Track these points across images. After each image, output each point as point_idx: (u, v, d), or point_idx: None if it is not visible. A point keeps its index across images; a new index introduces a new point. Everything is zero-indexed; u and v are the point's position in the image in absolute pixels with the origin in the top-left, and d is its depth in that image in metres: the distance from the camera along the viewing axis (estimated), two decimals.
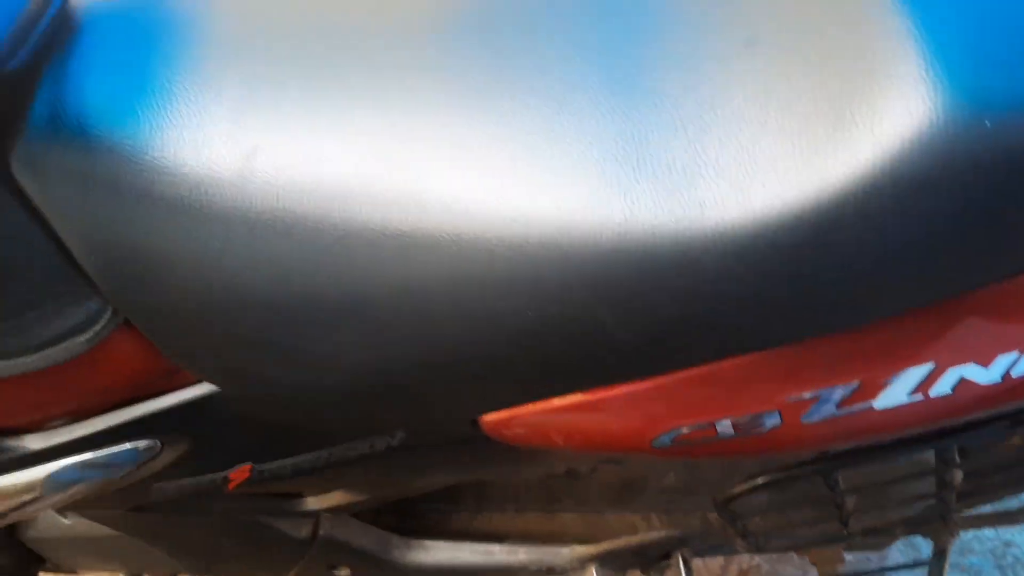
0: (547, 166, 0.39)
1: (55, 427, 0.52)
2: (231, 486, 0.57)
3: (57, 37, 0.43)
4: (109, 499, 0.60)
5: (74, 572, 0.88)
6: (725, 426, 0.46)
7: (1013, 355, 0.41)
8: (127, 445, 0.53)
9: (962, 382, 0.42)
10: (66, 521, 0.75)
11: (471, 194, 0.40)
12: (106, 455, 0.53)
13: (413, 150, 0.41)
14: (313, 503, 0.68)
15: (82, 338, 0.45)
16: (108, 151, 0.41)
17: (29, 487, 0.55)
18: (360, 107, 0.42)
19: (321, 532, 0.74)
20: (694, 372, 0.44)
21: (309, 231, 0.41)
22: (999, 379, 0.41)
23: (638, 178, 0.38)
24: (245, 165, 0.41)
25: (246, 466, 0.55)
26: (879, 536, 0.78)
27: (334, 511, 0.71)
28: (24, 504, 0.56)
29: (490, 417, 0.50)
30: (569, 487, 0.82)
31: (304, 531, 0.72)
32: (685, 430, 0.47)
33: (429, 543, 0.77)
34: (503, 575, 0.77)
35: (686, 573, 0.73)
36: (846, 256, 0.37)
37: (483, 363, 0.44)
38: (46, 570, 0.86)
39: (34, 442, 0.52)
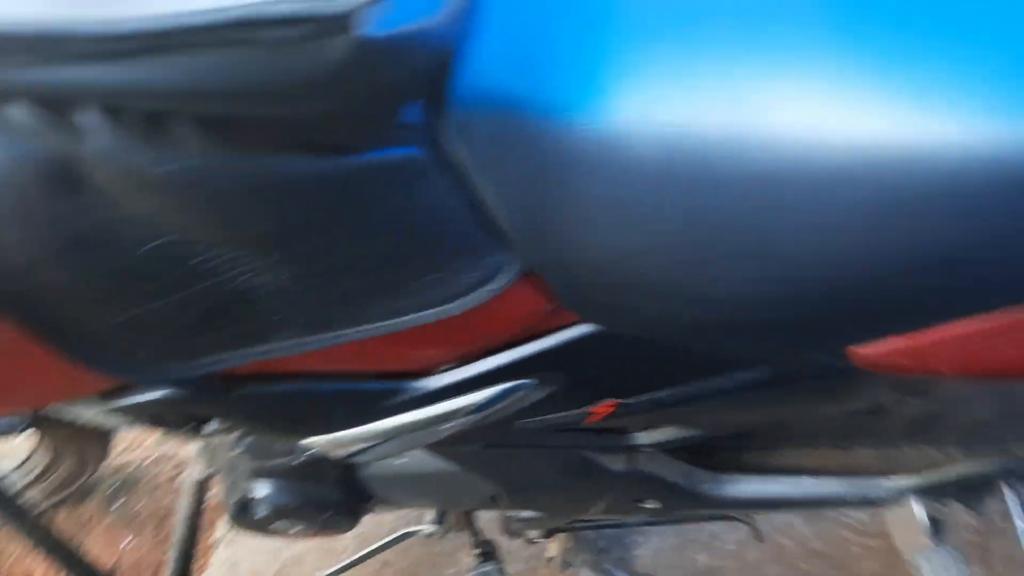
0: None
1: (446, 370, 0.58)
2: (588, 420, 0.61)
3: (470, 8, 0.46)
4: (468, 436, 0.66)
5: (396, 507, 0.97)
6: None
7: None
8: (507, 384, 0.58)
9: None
10: (401, 460, 0.83)
11: (868, 130, 0.40)
12: (489, 395, 0.59)
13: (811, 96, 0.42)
14: (638, 438, 0.72)
15: (491, 287, 0.50)
16: (528, 116, 0.44)
17: (419, 424, 0.61)
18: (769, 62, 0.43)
19: (636, 466, 0.77)
20: None
21: (716, 178, 0.43)
22: None
23: None
24: (651, 119, 0.43)
25: (611, 402, 0.59)
26: None
27: (653, 447, 0.74)
28: (412, 439, 0.62)
29: (866, 348, 0.51)
30: (869, 422, 0.82)
31: (620, 464, 0.76)
32: None
33: (737, 476, 0.79)
34: (814, 507, 0.78)
35: (1017, 506, 0.71)
36: None
37: (881, 289, 0.45)
38: (372, 506, 0.96)
39: (429, 383, 0.58)
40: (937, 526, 0.74)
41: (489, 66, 0.45)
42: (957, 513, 1.38)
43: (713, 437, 0.86)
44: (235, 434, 0.84)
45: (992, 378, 0.49)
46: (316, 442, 0.63)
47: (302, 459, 0.79)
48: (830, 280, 0.45)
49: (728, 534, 1.40)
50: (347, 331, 0.50)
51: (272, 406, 0.57)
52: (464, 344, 0.55)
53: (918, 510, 0.74)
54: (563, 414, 0.60)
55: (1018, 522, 0.71)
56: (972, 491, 0.75)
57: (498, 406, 0.59)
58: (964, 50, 0.40)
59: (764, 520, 1.38)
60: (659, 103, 0.44)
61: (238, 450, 0.83)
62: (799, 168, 0.42)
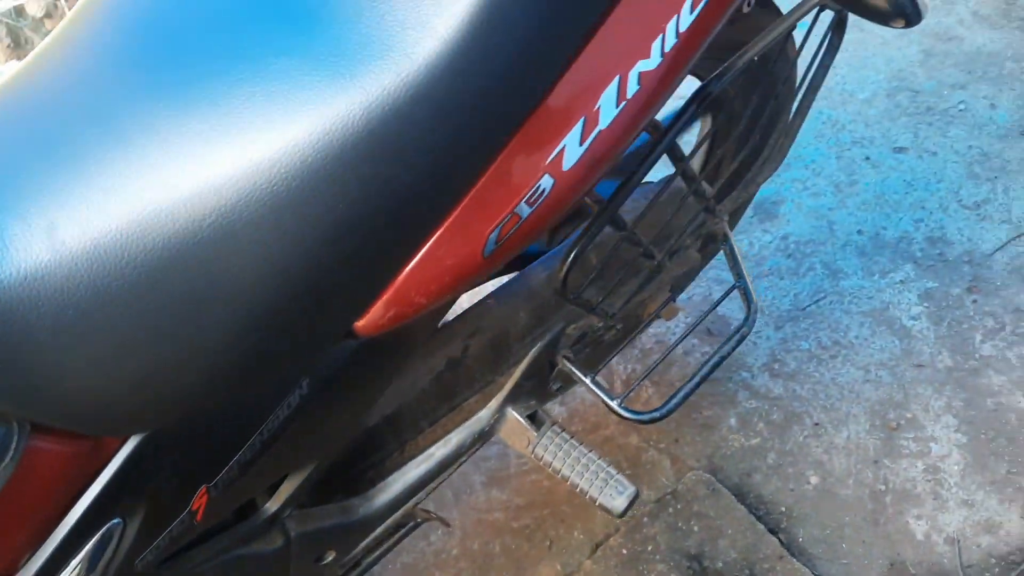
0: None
1: (26, 562, 0.55)
2: (199, 517, 0.62)
3: None
4: None
5: None
6: (522, 208, 0.58)
7: (659, 36, 0.56)
8: (93, 539, 0.57)
9: (641, 75, 0.56)
10: None
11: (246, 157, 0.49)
12: (81, 559, 0.57)
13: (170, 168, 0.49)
14: (270, 506, 0.74)
15: (6, 460, 0.49)
16: None
17: None
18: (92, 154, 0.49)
19: (292, 532, 0.80)
20: (480, 183, 0.56)
21: (136, 264, 0.47)
22: (661, 58, 0.56)
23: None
24: (52, 242, 0.47)
25: (201, 490, 0.61)
26: (681, 258, 0.95)
27: (291, 506, 0.77)
28: None
29: (362, 321, 0.59)
30: (456, 376, 0.93)
31: (278, 540, 0.78)
32: (499, 228, 0.58)
33: (382, 484, 0.85)
34: (454, 466, 0.87)
35: (577, 370, 0.87)
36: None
37: (334, 272, 0.53)
38: None
39: None
40: (533, 418, 0.88)
41: None
42: (589, 407, 1.59)
43: (347, 466, 0.91)
44: None
45: (453, 290, 0.60)
46: None
47: None
48: (287, 289, 0.52)
49: (448, 544, 1.47)
50: None
51: None
52: (27, 526, 0.53)
53: (516, 416, 0.87)
54: (171, 528, 0.61)
55: (584, 378, 0.86)
56: (544, 378, 0.90)
57: (99, 567, 0.58)
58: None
59: (470, 511, 1.48)
60: (52, 225, 0.47)
61: None
62: (201, 219, 0.48)
